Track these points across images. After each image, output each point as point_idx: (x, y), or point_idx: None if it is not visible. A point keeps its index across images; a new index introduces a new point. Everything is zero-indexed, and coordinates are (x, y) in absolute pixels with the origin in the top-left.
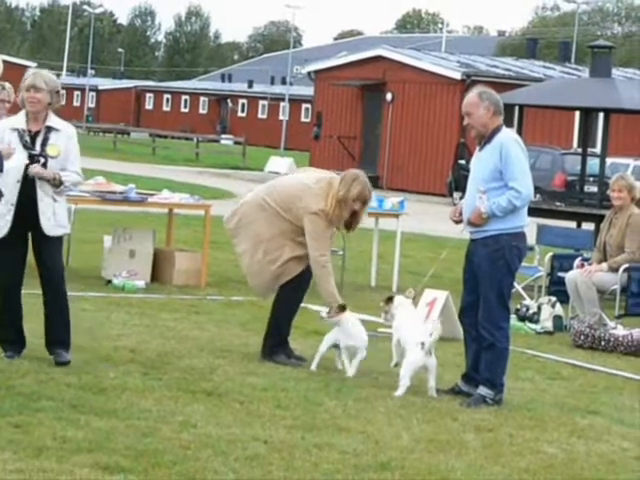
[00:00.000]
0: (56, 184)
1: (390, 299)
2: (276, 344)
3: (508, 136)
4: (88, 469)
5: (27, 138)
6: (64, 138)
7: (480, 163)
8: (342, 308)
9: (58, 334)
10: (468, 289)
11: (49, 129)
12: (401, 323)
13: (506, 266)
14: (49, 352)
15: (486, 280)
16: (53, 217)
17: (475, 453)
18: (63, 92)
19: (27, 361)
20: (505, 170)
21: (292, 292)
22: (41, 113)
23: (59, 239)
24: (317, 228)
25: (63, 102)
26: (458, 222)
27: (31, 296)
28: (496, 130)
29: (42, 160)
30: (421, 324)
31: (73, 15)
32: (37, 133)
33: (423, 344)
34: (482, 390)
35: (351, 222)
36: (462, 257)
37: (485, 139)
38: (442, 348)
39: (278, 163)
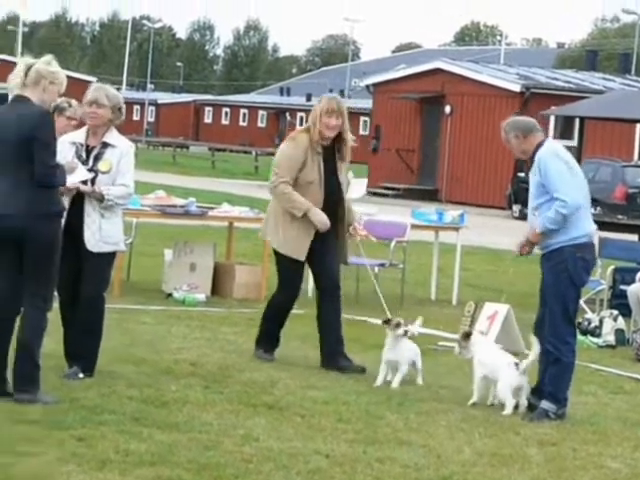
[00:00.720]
0: (98, 198)
1: (467, 336)
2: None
3: (545, 150)
4: None
5: (82, 153)
6: (118, 154)
7: (531, 182)
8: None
9: (80, 350)
10: (542, 303)
11: (105, 145)
12: (482, 357)
13: (569, 279)
14: (67, 362)
15: (551, 294)
16: (98, 232)
17: (538, 468)
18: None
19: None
20: (547, 183)
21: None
22: (101, 128)
23: (105, 256)
24: (279, 155)
25: (123, 118)
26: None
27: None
28: (537, 148)
29: (92, 175)
30: (503, 354)
31: (132, 30)
32: (93, 148)
33: (517, 364)
34: (545, 404)
35: (344, 149)
36: (523, 271)
37: (530, 159)
38: None
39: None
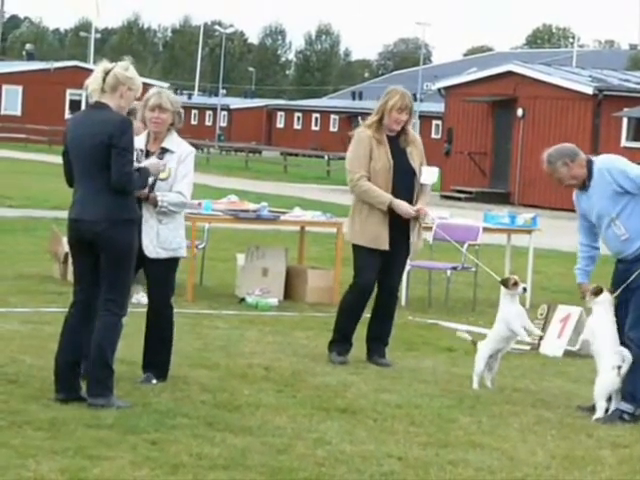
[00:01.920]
0: (153, 204)
1: (600, 291)
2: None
3: (604, 160)
4: None
5: (142, 158)
6: (176, 160)
7: (592, 200)
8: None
9: (152, 357)
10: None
11: (163, 150)
12: (599, 331)
13: None
14: (143, 370)
15: (638, 292)
16: (156, 239)
17: (611, 470)
18: (196, 112)
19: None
20: (629, 181)
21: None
22: (162, 134)
23: (166, 262)
24: (347, 155)
25: (183, 122)
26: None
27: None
28: (589, 168)
29: (151, 181)
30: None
31: (204, 35)
32: (152, 154)
33: (620, 368)
34: (622, 405)
35: (404, 136)
36: (594, 273)
37: (585, 181)
38: (576, 364)
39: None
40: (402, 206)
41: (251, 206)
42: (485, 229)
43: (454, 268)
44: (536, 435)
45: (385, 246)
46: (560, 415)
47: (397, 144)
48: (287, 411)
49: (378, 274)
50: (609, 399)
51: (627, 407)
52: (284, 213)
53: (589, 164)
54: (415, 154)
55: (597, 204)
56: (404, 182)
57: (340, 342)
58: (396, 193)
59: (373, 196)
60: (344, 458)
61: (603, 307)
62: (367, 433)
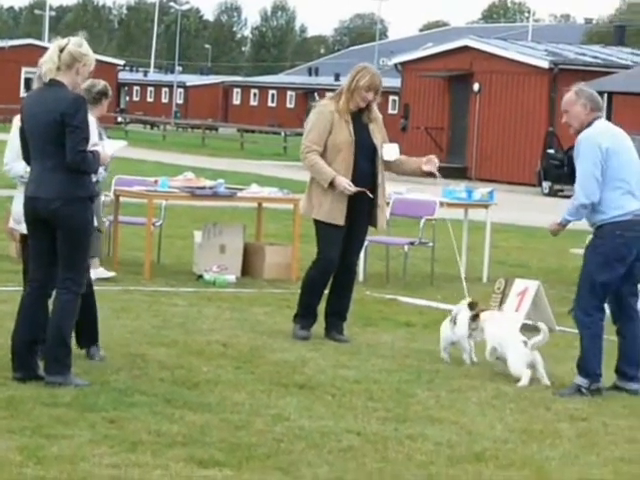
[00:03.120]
0: None
1: (476, 317)
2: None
3: (586, 133)
4: (183, 463)
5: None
6: None
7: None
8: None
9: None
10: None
11: None
12: (493, 331)
13: (603, 254)
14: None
15: (583, 266)
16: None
17: (569, 443)
18: (152, 89)
19: (120, 356)
20: (576, 168)
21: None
22: None
23: None
24: (306, 125)
25: None
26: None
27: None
28: (587, 126)
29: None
30: (515, 327)
31: (160, 12)
32: None
33: (525, 342)
34: (577, 379)
35: (367, 113)
36: (552, 247)
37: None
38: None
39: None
40: (342, 183)
41: (208, 183)
42: (442, 204)
43: (411, 243)
44: (494, 409)
45: (341, 221)
46: (518, 389)
47: (359, 120)
48: (245, 387)
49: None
50: (531, 367)
51: (582, 381)
52: (241, 190)
53: (590, 123)
54: (377, 131)
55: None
56: (366, 157)
57: (304, 316)
58: (358, 168)
59: (318, 171)
60: (303, 434)
61: (489, 320)
62: (326, 409)
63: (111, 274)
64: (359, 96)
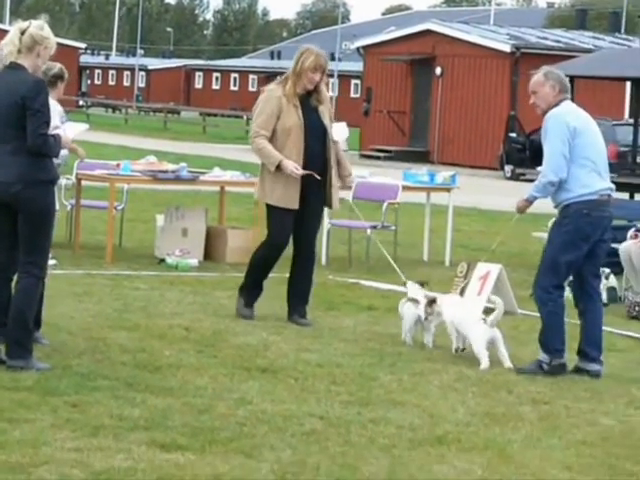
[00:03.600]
0: None
1: (432, 302)
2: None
3: (554, 112)
4: (145, 447)
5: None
6: None
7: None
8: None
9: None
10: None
11: None
12: (451, 312)
13: (567, 233)
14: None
15: (547, 245)
16: None
17: (531, 426)
18: (113, 73)
19: (82, 340)
20: (544, 146)
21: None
22: None
23: None
24: (254, 109)
25: None
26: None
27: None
28: (554, 107)
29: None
30: (471, 305)
31: None
32: None
33: (484, 319)
34: (540, 355)
35: (315, 95)
36: (514, 231)
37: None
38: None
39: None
40: (288, 166)
41: (170, 167)
42: (404, 188)
43: (374, 227)
44: (457, 392)
45: (295, 205)
46: (480, 372)
47: (308, 103)
48: (208, 371)
49: (293, 232)
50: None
51: (544, 357)
52: (203, 173)
53: (557, 104)
54: (325, 112)
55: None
56: (316, 139)
57: (249, 289)
58: (309, 150)
59: (266, 155)
60: (265, 418)
61: (447, 303)
62: (288, 392)
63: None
64: (306, 78)
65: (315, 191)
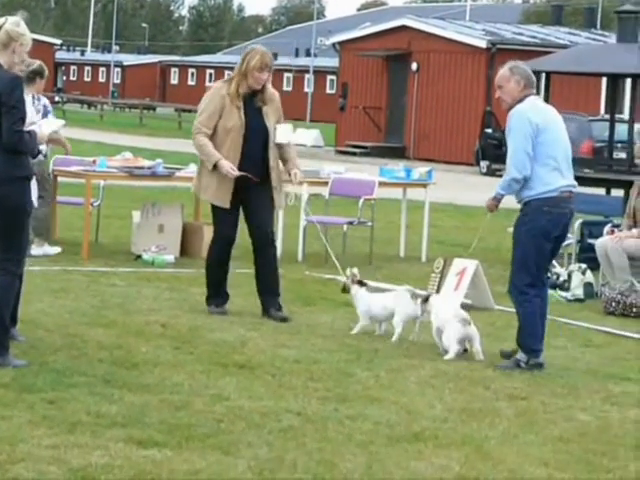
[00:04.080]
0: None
1: (426, 300)
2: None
3: (517, 108)
4: (122, 443)
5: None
6: None
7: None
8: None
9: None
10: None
11: None
12: (437, 311)
13: (531, 231)
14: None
15: (514, 245)
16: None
17: (508, 422)
18: (89, 69)
19: (59, 337)
20: (507, 143)
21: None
22: None
23: None
24: (201, 102)
25: None
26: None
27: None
28: (519, 102)
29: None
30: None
31: None
32: None
33: (464, 320)
34: (519, 354)
35: (261, 95)
36: (490, 227)
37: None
38: (473, 317)
39: (303, 136)
40: (224, 167)
41: (146, 163)
42: (381, 183)
43: (350, 223)
44: (434, 388)
45: (226, 204)
46: (457, 368)
47: (252, 103)
48: (185, 368)
49: (248, 227)
50: (461, 342)
51: (522, 356)
52: (179, 169)
53: (522, 99)
54: (270, 113)
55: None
56: (256, 141)
57: (215, 295)
58: (248, 152)
59: (204, 153)
60: (243, 414)
61: (437, 303)
62: (265, 389)
63: (57, 249)
64: (252, 77)
65: (257, 186)
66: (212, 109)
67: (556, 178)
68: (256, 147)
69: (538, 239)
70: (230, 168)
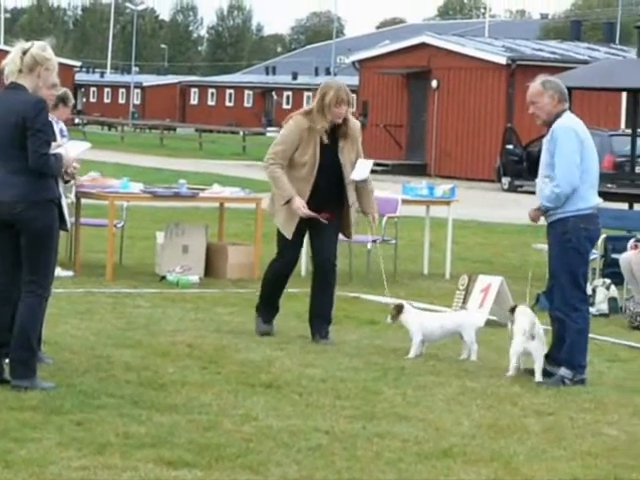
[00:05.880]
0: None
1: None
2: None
3: (562, 123)
4: (152, 464)
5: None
6: None
7: (544, 150)
8: (399, 308)
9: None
10: (550, 273)
11: None
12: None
13: (574, 249)
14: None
15: (558, 264)
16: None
17: (537, 437)
18: (109, 90)
19: (85, 359)
20: (554, 157)
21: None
22: None
23: None
24: (278, 136)
25: None
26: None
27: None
28: (557, 116)
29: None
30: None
31: (115, 13)
32: None
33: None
34: (562, 371)
35: (343, 128)
36: (513, 243)
37: (548, 126)
38: (498, 333)
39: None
40: (296, 205)
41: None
42: (404, 201)
43: (374, 241)
44: (461, 405)
45: (289, 236)
46: (484, 385)
47: (331, 137)
48: (212, 388)
49: (311, 249)
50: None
51: (567, 373)
52: (203, 190)
53: (559, 114)
54: (347, 149)
55: (543, 155)
56: (328, 177)
57: (266, 308)
58: (319, 187)
59: (279, 186)
60: (271, 433)
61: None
62: (293, 408)
63: (69, 273)
64: (330, 114)
65: (329, 209)
66: (290, 142)
67: (592, 195)
68: (329, 183)
69: (583, 256)
70: (301, 206)
